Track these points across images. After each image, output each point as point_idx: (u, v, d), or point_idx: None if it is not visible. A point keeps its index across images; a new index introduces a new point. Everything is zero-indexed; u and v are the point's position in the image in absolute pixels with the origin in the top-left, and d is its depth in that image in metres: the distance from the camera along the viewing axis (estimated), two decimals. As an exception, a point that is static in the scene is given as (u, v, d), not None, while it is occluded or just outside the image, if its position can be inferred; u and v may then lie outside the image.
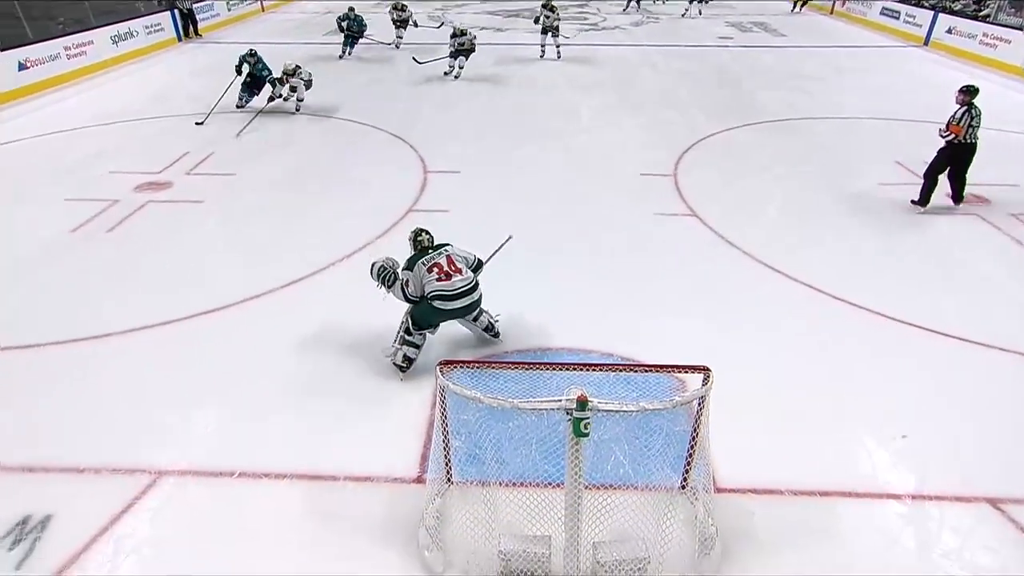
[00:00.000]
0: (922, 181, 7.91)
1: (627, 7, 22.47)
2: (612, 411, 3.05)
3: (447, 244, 5.11)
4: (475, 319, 5.21)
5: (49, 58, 13.02)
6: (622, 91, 13.17)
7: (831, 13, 21.88)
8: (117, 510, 4.00)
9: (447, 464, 3.85)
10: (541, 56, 15.70)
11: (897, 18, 17.84)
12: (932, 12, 17.01)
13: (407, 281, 4.92)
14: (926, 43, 16.95)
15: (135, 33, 15.77)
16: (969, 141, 7.48)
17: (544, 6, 15.04)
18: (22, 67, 12.42)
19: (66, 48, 13.50)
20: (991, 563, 3.68)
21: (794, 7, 21.32)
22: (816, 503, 4.02)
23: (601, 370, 3.58)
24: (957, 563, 3.68)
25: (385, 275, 5.05)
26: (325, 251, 6.92)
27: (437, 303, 4.85)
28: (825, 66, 15.38)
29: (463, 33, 13.44)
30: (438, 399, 3.49)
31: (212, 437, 4.60)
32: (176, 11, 17.22)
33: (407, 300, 4.96)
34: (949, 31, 16.33)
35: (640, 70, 14.62)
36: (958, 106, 7.48)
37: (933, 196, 7.88)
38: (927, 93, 12.97)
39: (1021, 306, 6.07)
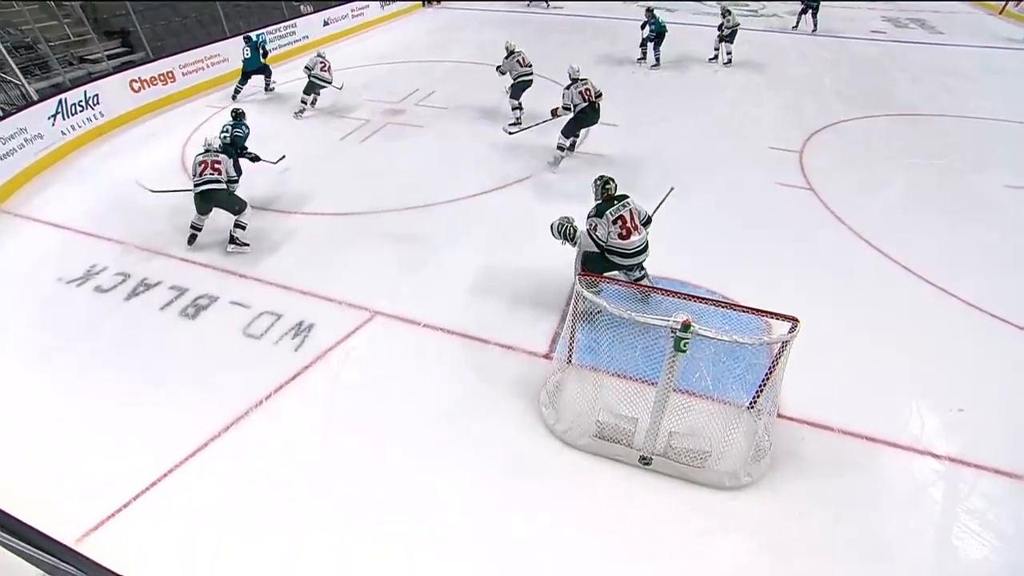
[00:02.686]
0: None
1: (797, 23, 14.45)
2: (709, 337, 2.93)
3: (627, 196, 4.40)
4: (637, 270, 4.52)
5: (342, 17, 13.89)
6: (767, 73, 11.46)
7: (1001, 13, 17.23)
8: (349, 330, 4.58)
9: (570, 349, 3.90)
10: (714, 59, 11.94)
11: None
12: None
13: (595, 227, 4.29)
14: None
15: None
16: None
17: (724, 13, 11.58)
18: (326, 23, 13.35)
19: (352, 11, 14.23)
20: (1013, 532, 3.23)
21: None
22: (861, 445, 3.68)
23: (705, 303, 3.38)
24: (978, 522, 3.27)
25: (565, 230, 4.49)
26: (515, 168, 7.06)
27: (615, 258, 4.27)
28: (978, 66, 12.29)
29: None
30: (573, 299, 3.50)
31: (411, 295, 4.99)
32: None
33: (596, 245, 4.29)
34: None
35: (788, 55, 12.60)
36: None
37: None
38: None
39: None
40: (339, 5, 13.82)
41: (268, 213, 6.20)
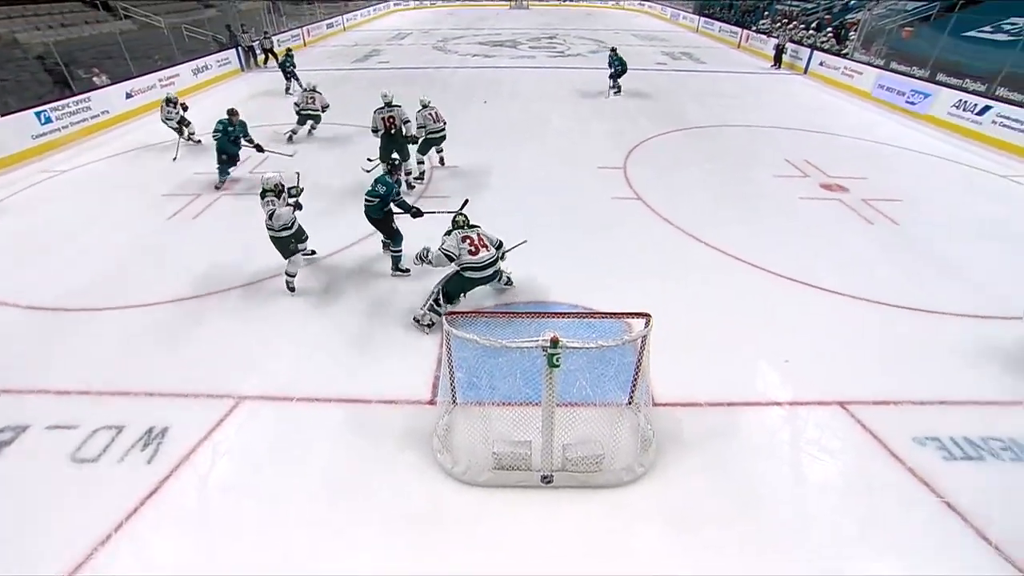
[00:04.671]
0: None
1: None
2: (577, 347, 2.96)
3: (478, 226, 4.85)
4: (496, 281, 5.01)
5: (148, 87, 12.40)
6: (585, 103, 12.68)
7: (738, 47, 21.11)
8: (213, 424, 3.92)
9: (452, 390, 3.75)
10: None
11: (785, 52, 17.22)
12: (809, 50, 16.51)
13: (445, 243, 4.66)
14: (805, 72, 16.45)
15: (209, 66, 14.93)
16: None
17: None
18: (128, 95, 11.81)
19: (160, 80, 12.81)
20: (838, 447, 3.73)
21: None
22: (725, 411, 4.00)
23: (568, 317, 3.46)
24: (815, 447, 3.72)
25: (421, 254, 4.71)
26: (356, 230, 6.52)
27: (468, 274, 4.64)
28: (737, 87, 14.87)
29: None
30: (444, 341, 3.36)
31: (277, 371, 4.43)
32: (239, 48, 16.38)
33: (446, 256, 4.60)
34: (821, 64, 15.86)
35: (597, 87, 14.06)
36: None
37: (807, 185, 7.62)
38: (806, 109, 12.70)
39: (870, 265, 5.98)
40: (143, 75, 12.32)
41: (87, 314, 5.18)
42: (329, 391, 4.17)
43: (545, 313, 3.51)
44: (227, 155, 7.84)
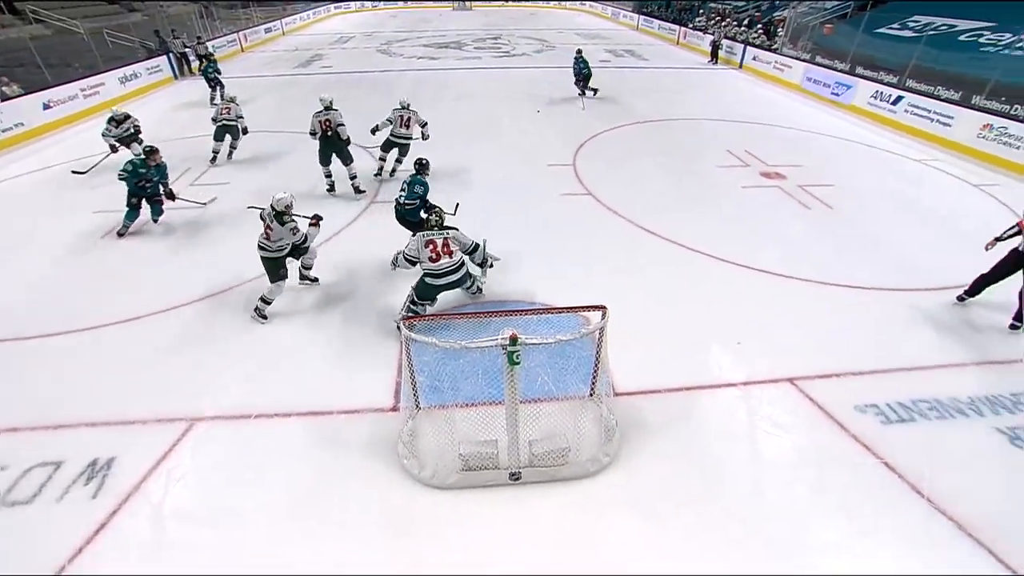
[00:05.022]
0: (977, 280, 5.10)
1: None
2: (536, 343, 2.97)
3: (453, 228, 4.69)
4: (465, 288, 4.84)
5: (68, 98, 11.47)
6: (532, 102, 12.76)
7: (677, 44, 21.80)
8: (165, 449, 3.71)
9: (415, 395, 3.68)
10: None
11: (721, 48, 17.93)
12: (742, 45, 17.27)
13: (408, 246, 4.58)
14: (740, 66, 17.17)
15: (139, 74, 14.00)
16: None
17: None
18: (46, 107, 10.90)
19: (82, 89, 11.89)
20: (790, 421, 3.91)
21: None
22: (683, 396, 4.11)
23: (527, 314, 3.48)
24: (769, 424, 3.88)
25: (394, 259, 4.79)
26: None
27: (428, 279, 4.52)
28: (678, 82, 15.35)
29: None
30: (403, 346, 3.30)
31: (232, 389, 4.23)
32: (171, 55, 15.44)
33: (407, 260, 4.57)
34: (754, 59, 16.60)
35: (544, 86, 14.19)
36: None
37: (749, 174, 7.89)
38: (743, 102, 13.25)
39: (808, 247, 6.30)
40: (62, 85, 11.35)
41: (13, 344, 4.79)
42: (288, 406, 4.02)
43: (503, 312, 3.52)
44: (136, 198, 6.47)
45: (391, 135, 7.85)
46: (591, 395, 3.82)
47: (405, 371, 3.54)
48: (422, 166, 5.72)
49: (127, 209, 6.49)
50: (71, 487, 3.43)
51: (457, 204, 5.59)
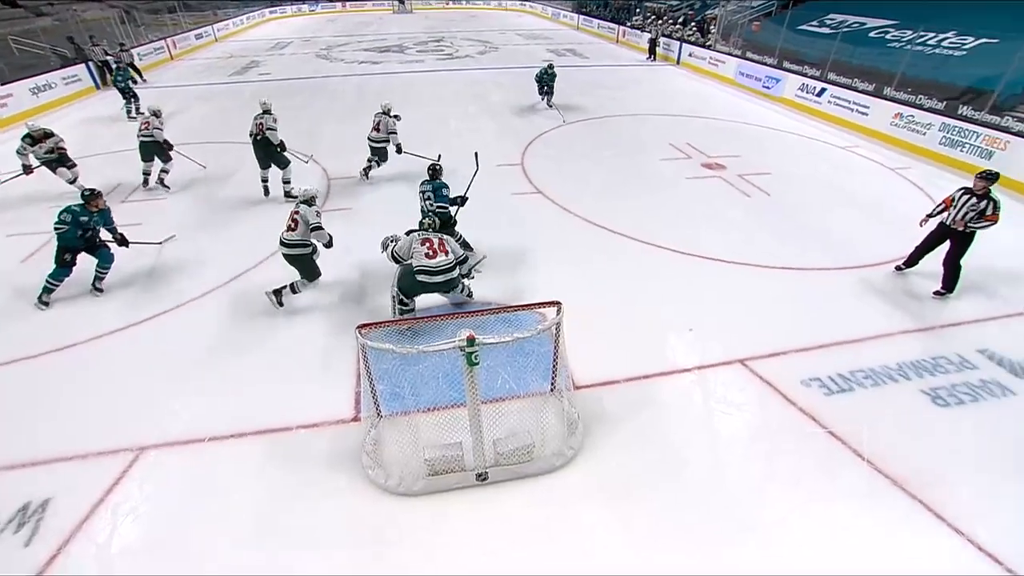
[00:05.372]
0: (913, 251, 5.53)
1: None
2: (493, 343, 2.96)
3: (446, 236, 4.71)
4: (450, 292, 4.74)
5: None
6: (478, 103, 12.74)
7: (616, 42, 22.33)
8: (109, 484, 3.46)
9: (375, 403, 3.60)
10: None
11: (659, 45, 18.51)
12: (679, 43, 17.89)
13: (399, 244, 4.58)
14: (678, 63, 17.77)
15: (54, 84, 12.88)
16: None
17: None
18: None
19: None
20: (741, 399, 4.09)
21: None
22: (641, 384, 4.21)
23: (483, 314, 3.46)
24: (723, 404, 4.04)
25: (385, 242, 4.76)
26: (255, 252, 6.17)
27: (421, 277, 4.45)
28: (619, 79, 15.71)
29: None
30: (360, 354, 3.22)
31: (183, 413, 4.00)
32: (90, 63, 14.29)
33: (393, 259, 4.59)
34: (690, 55, 17.23)
35: (489, 87, 14.20)
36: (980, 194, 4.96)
37: (691, 166, 8.14)
38: (682, 96, 13.72)
39: (749, 234, 6.59)
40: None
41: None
42: (244, 425, 3.84)
43: (460, 313, 3.50)
44: (71, 253, 5.24)
45: (367, 138, 8.01)
46: (552, 390, 3.85)
47: (364, 380, 3.45)
48: (436, 171, 5.78)
49: (54, 267, 5.21)
50: (-1, 536, 3.15)
51: (476, 153, 5.89)
